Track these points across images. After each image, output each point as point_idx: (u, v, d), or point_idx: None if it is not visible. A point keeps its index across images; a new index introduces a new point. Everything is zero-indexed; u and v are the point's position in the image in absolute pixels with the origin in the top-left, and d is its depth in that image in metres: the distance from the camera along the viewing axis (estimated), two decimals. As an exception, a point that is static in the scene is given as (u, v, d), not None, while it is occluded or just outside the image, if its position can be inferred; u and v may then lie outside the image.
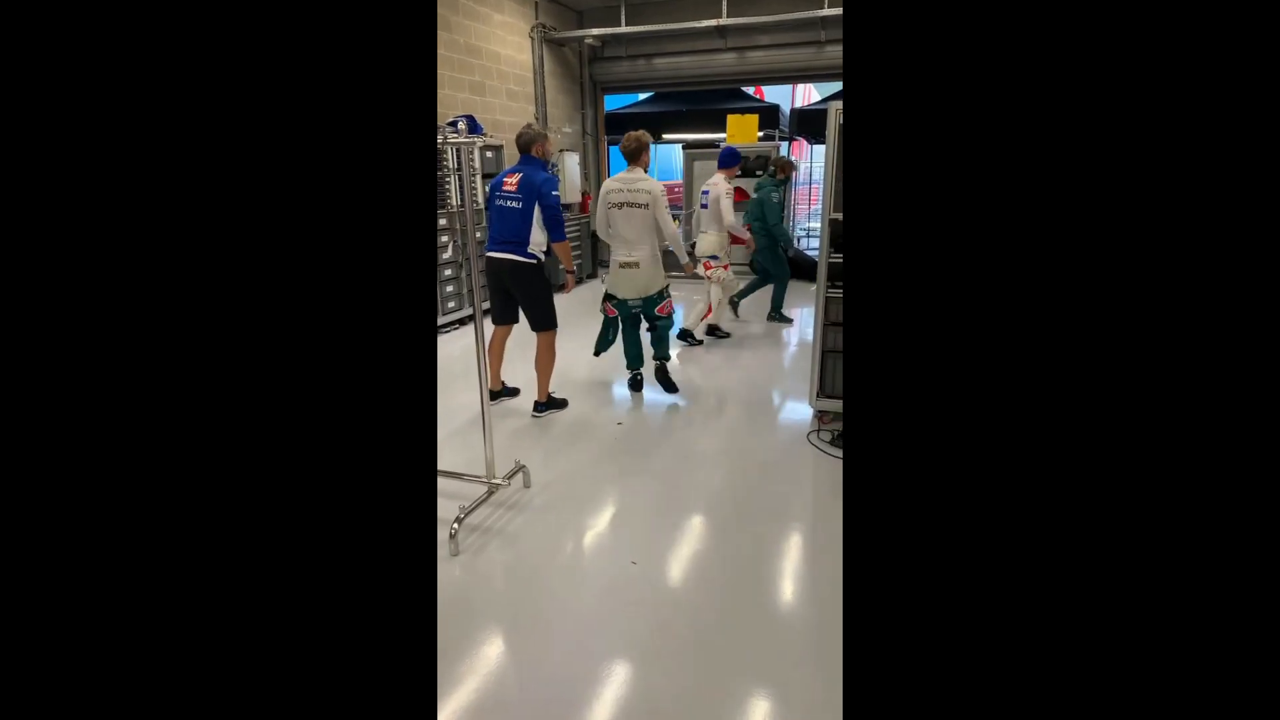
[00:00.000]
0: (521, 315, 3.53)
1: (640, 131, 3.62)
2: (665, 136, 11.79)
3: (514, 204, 3.26)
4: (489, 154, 6.07)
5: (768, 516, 2.60)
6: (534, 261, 3.32)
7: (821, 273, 3.23)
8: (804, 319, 5.95)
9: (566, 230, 3.33)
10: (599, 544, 2.43)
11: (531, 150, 3.31)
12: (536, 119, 7.96)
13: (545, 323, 3.43)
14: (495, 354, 3.65)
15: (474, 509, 2.54)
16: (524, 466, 2.83)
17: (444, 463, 2.91)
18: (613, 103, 10.47)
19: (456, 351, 4.98)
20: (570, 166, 8.43)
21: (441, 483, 2.72)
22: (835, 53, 7.79)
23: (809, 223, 12.43)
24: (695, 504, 2.70)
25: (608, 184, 3.65)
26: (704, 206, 4.79)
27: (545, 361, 3.51)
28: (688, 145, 8.86)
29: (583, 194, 8.41)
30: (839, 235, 3.17)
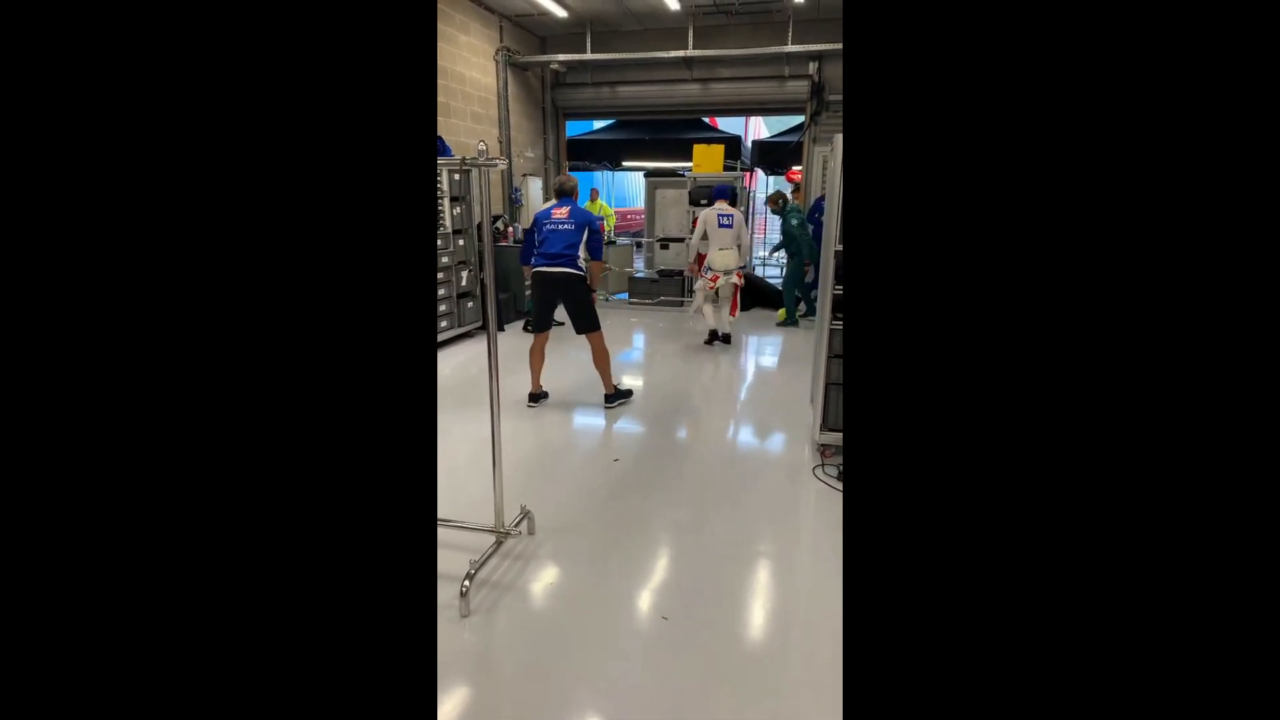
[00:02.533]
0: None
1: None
2: (626, 164, 11.82)
3: (566, 227, 3.94)
4: (455, 177, 5.84)
5: (792, 560, 2.46)
6: (583, 273, 3.98)
7: (824, 305, 3.21)
8: (753, 345, 6.02)
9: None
10: (622, 598, 2.23)
11: (572, 196, 4.12)
12: (500, 142, 7.78)
13: (593, 325, 4.03)
14: (539, 357, 4.18)
15: (483, 563, 2.30)
16: (529, 512, 2.61)
17: (447, 511, 2.65)
18: (575, 129, 10.40)
19: (446, 370, 4.76)
20: (533, 191, 8.27)
21: (443, 533, 2.47)
22: (797, 87, 7.96)
23: (762, 251, 12.63)
24: (712, 547, 2.53)
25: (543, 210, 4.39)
26: (727, 226, 5.53)
27: (603, 358, 4.11)
28: (650, 173, 8.83)
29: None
30: (841, 268, 3.15)
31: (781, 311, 6.84)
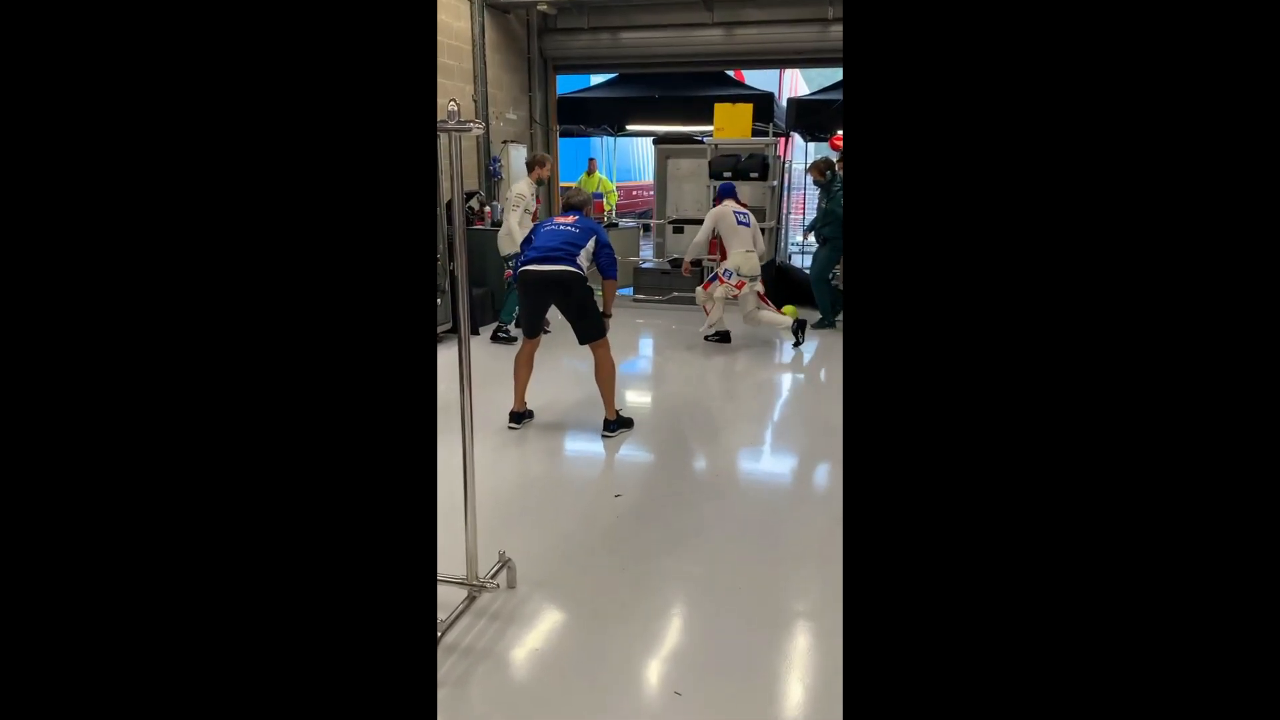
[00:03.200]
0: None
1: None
2: (630, 127, 11.90)
3: (570, 228, 4.09)
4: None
5: (836, 622, 2.46)
6: (584, 273, 4.03)
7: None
8: (785, 353, 5.98)
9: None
10: (624, 668, 2.24)
11: (584, 211, 4.34)
12: (475, 101, 7.86)
13: (597, 333, 4.07)
14: (526, 368, 4.26)
15: (452, 623, 2.31)
16: (509, 560, 2.62)
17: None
18: (567, 84, 10.49)
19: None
20: (515, 161, 8.32)
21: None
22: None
23: (798, 236, 12.66)
24: (737, 605, 2.54)
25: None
26: (745, 224, 5.95)
27: (608, 374, 4.11)
28: (660, 139, 8.90)
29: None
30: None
31: (789, 311, 6.79)
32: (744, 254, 5.89)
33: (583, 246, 4.02)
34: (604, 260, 4.08)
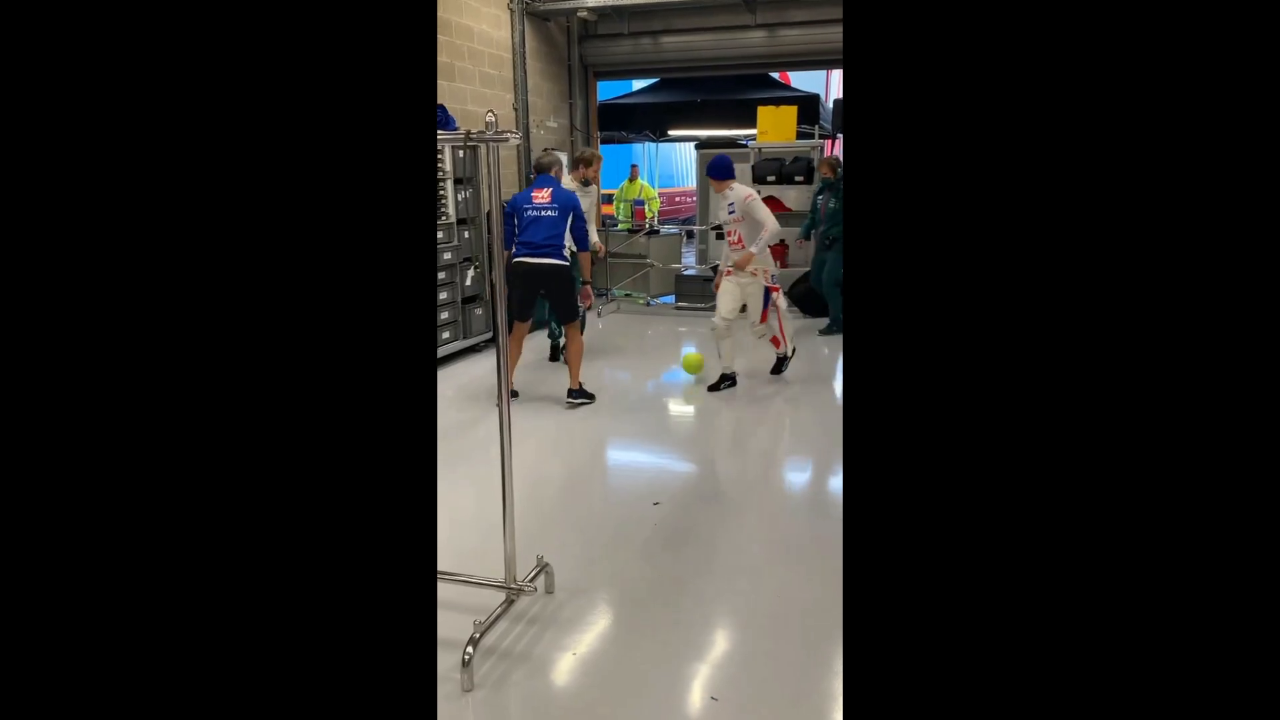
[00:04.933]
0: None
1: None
2: (672, 133, 11.95)
3: (550, 213, 4.46)
4: (460, 154, 6.03)
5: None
6: (568, 263, 4.55)
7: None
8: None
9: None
10: (661, 672, 2.26)
11: (551, 172, 4.69)
12: (515, 109, 7.99)
13: (574, 314, 4.70)
14: (516, 348, 4.87)
15: (490, 625, 2.36)
16: (547, 565, 2.66)
17: (444, 560, 2.73)
18: (608, 91, 10.59)
19: (449, 391, 4.98)
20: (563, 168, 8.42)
21: (441, 588, 2.55)
22: (888, 32, 7.93)
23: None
24: (778, 614, 2.54)
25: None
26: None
27: (578, 351, 4.77)
28: (703, 144, 8.92)
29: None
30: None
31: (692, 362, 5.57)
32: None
33: (564, 230, 4.45)
34: (578, 233, 4.53)
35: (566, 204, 4.47)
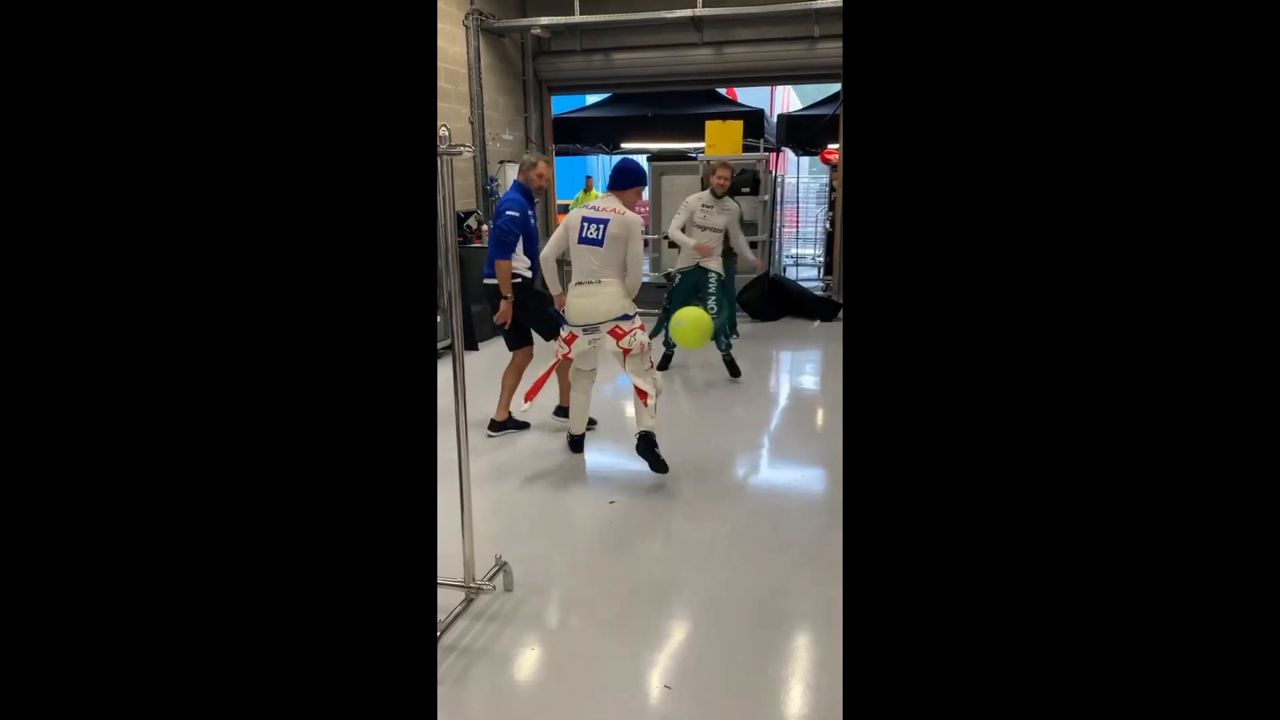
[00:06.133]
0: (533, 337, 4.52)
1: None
2: (625, 145, 12.09)
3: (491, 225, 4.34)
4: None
5: (831, 620, 2.57)
6: (517, 281, 4.29)
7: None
8: (788, 362, 6.05)
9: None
10: (615, 664, 2.34)
11: (518, 177, 4.46)
12: (471, 123, 8.03)
13: (519, 341, 4.42)
14: (514, 378, 4.48)
15: (450, 624, 2.42)
16: (505, 564, 2.73)
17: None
18: (562, 105, 10.67)
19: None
20: (512, 179, 8.47)
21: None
22: (830, 50, 8.17)
23: (795, 249, 12.82)
24: (728, 604, 2.65)
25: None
26: (594, 242, 3.78)
27: (512, 380, 4.47)
28: (654, 156, 9.07)
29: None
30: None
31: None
32: (577, 287, 3.77)
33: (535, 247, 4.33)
34: (491, 236, 4.25)
35: (500, 211, 4.24)
